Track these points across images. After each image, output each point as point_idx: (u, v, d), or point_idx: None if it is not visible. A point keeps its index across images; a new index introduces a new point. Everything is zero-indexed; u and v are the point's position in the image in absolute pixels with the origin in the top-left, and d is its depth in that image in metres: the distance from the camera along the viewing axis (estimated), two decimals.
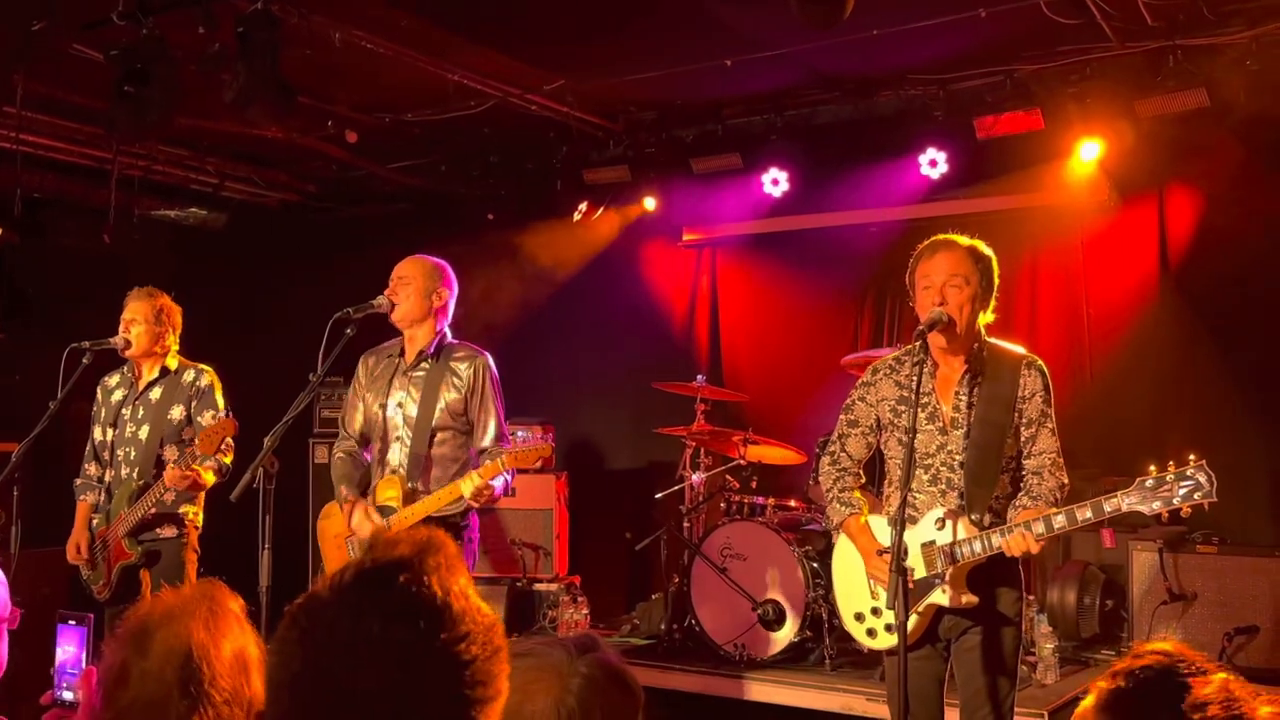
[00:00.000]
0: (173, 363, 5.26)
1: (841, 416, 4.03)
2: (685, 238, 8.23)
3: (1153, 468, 3.44)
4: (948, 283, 3.70)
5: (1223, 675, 1.56)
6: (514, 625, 6.99)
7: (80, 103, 6.41)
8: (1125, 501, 3.44)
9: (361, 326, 4.46)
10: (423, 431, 4.55)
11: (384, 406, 4.65)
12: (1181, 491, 3.38)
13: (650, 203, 7.95)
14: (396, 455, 4.59)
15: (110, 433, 5.25)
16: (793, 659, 6.08)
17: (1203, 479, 3.37)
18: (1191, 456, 3.41)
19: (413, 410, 4.58)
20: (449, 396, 4.57)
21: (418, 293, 4.58)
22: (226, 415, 4.95)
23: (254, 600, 4.35)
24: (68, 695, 2.49)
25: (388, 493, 4.52)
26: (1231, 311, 6.49)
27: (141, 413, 5.19)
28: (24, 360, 7.03)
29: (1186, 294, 6.66)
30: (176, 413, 5.16)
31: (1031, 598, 5.87)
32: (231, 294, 8.84)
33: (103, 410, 5.33)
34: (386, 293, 4.57)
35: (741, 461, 6.62)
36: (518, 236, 8.37)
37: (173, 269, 8.50)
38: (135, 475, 5.10)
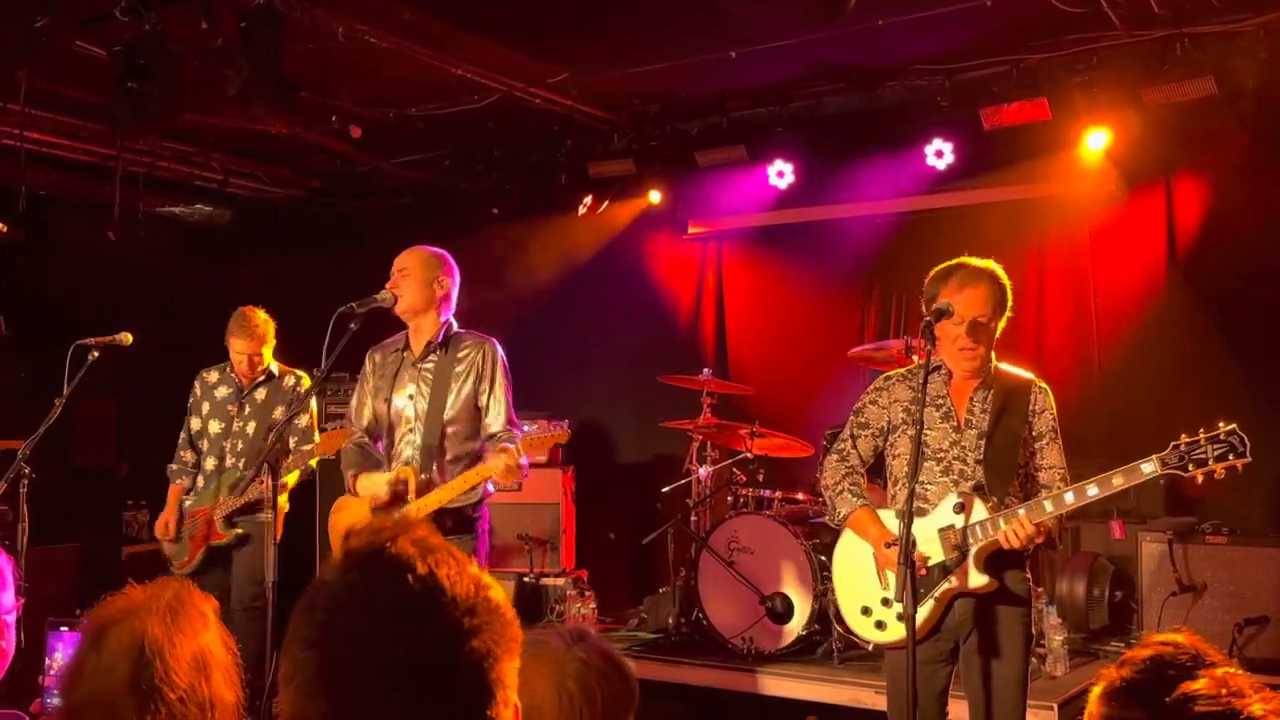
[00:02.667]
0: (275, 367, 5.77)
1: (852, 419, 4.06)
2: (690, 231, 8.22)
3: (1183, 435, 3.46)
4: (993, 316, 3.78)
5: (1225, 670, 1.54)
6: (521, 620, 6.96)
7: (83, 99, 6.40)
8: (1160, 465, 3.45)
9: (368, 322, 4.45)
10: (435, 423, 4.53)
11: (389, 401, 4.63)
12: (1215, 452, 3.40)
13: (655, 196, 7.93)
14: (408, 448, 4.57)
15: (214, 424, 5.70)
16: (801, 652, 6.07)
17: (1235, 441, 3.39)
18: (1221, 422, 3.43)
19: (424, 403, 4.57)
20: (460, 387, 4.56)
21: (419, 283, 4.57)
22: (345, 424, 5.05)
23: (260, 595, 4.37)
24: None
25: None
26: (1239, 300, 6.46)
27: (248, 410, 5.69)
28: (28, 357, 7.03)
29: (1194, 283, 6.63)
30: (279, 412, 5.62)
31: (1041, 589, 5.85)
32: (236, 289, 8.82)
33: (203, 402, 5.77)
34: (389, 285, 4.56)
35: (748, 454, 6.60)
36: (522, 231, 8.36)
37: (177, 265, 8.53)
38: (241, 466, 5.57)
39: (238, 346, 5.64)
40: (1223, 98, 5.91)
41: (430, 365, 4.61)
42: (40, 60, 5.56)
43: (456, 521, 4.49)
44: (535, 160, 7.97)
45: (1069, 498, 3.55)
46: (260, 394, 5.72)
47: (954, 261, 3.85)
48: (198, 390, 5.82)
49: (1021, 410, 3.81)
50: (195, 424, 5.76)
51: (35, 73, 5.72)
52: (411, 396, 4.60)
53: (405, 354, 4.67)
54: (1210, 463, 3.39)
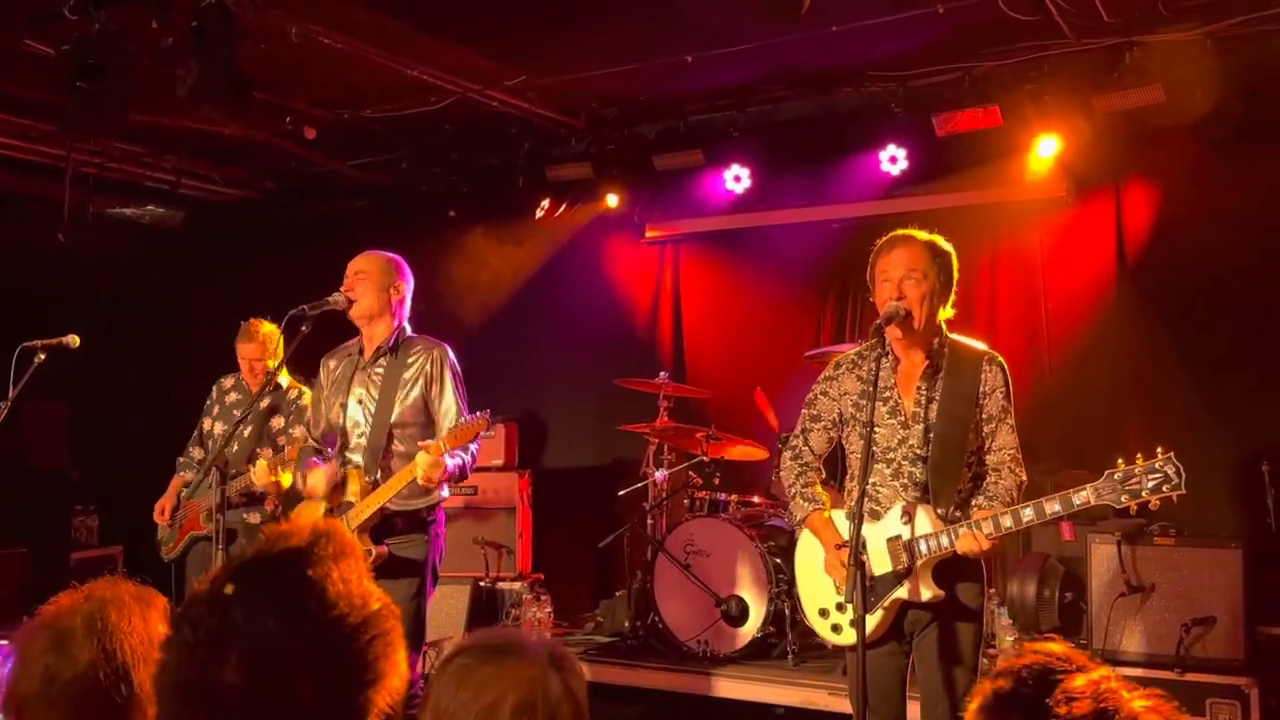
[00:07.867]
0: (284, 380, 5.75)
1: (804, 411, 4.03)
2: (648, 235, 8.23)
3: (1120, 461, 3.45)
4: (906, 277, 3.73)
5: (1102, 672, 1.54)
6: (477, 624, 6.96)
7: (33, 98, 6.31)
8: (1094, 495, 3.45)
9: (322, 327, 4.42)
10: (381, 427, 4.52)
11: (344, 406, 4.62)
12: (1150, 484, 3.40)
13: (613, 200, 7.93)
14: (357, 453, 4.56)
15: (219, 426, 5.85)
16: (756, 654, 6.09)
17: (1170, 471, 3.39)
18: (1159, 449, 3.42)
19: (372, 406, 4.56)
20: (408, 392, 4.54)
21: (375, 287, 4.55)
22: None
23: None
24: None
25: (349, 488, 4.48)
26: (1187, 305, 6.55)
27: (250, 416, 5.69)
28: None
29: (1143, 288, 6.72)
30: (278, 422, 5.72)
31: (993, 590, 5.90)
32: (188, 292, 8.74)
33: (216, 406, 5.95)
34: (343, 289, 4.54)
35: (704, 458, 6.62)
36: (480, 234, 8.34)
37: (129, 267, 8.43)
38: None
39: (242, 352, 5.80)
40: (1171, 105, 6.00)
41: (380, 370, 4.59)
42: None
43: (410, 523, 4.48)
44: (493, 163, 7.94)
45: (1007, 521, 3.55)
46: (264, 403, 5.83)
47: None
48: (214, 394, 6.01)
49: (970, 391, 3.74)
50: (207, 424, 5.96)
51: None
52: (361, 401, 4.59)
53: (359, 358, 4.66)
54: (1144, 494, 3.40)
